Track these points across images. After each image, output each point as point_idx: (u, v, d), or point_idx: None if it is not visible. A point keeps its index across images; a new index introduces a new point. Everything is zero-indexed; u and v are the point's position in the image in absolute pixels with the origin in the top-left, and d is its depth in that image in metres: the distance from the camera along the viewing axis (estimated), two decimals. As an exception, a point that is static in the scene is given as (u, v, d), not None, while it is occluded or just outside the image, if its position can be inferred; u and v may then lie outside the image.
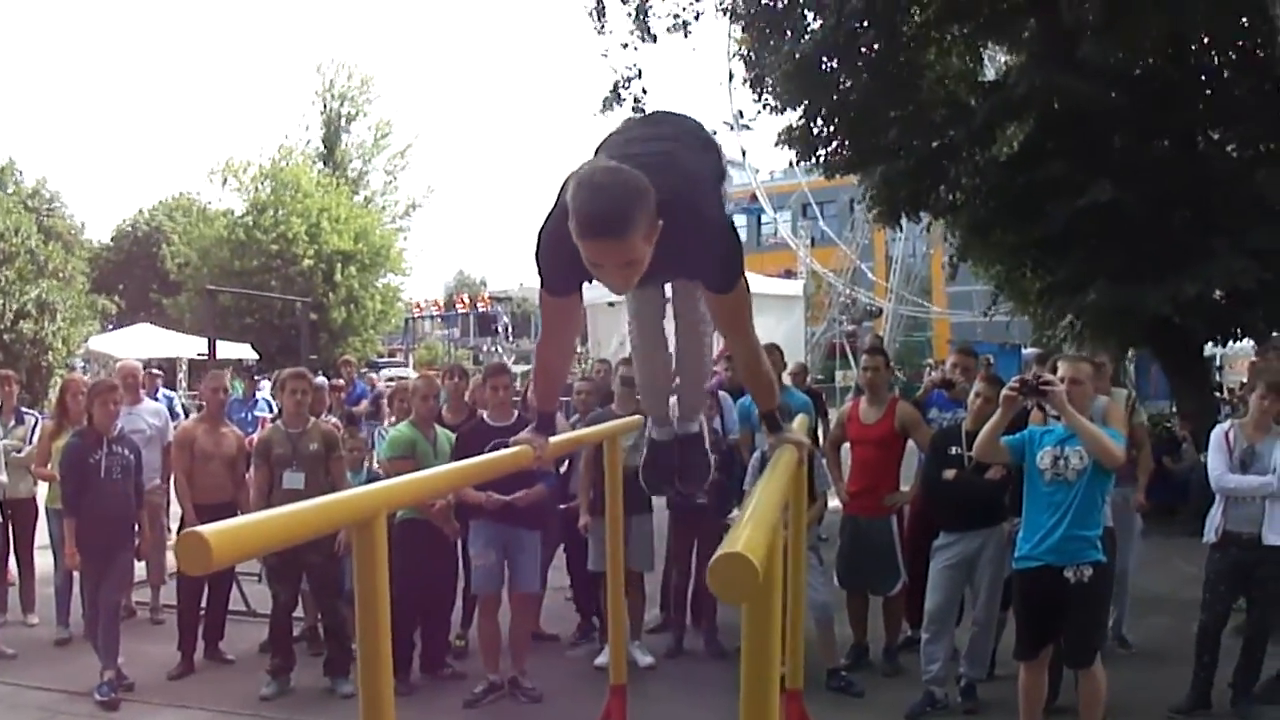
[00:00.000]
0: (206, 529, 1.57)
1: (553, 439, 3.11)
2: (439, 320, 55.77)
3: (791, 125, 12.62)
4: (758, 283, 27.98)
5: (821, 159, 12.88)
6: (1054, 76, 10.33)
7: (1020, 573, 5.19)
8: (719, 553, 1.34)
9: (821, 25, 11.65)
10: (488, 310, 49.91)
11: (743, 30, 13.49)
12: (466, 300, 52.33)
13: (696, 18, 13.79)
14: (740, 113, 22.28)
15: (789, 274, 34.48)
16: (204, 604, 7.12)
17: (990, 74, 13.06)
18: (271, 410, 9.85)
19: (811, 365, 28.85)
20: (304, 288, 32.13)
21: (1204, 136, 11.81)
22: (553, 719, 6.12)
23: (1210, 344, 13.33)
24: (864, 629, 6.81)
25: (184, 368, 26.39)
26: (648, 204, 2.29)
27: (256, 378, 14.53)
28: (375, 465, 7.39)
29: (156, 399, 10.83)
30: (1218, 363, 19.66)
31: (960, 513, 5.95)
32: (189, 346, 26.14)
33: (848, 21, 11.14)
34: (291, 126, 59.29)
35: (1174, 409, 12.80)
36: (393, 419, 8.17)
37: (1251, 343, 12.57)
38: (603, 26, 13.98)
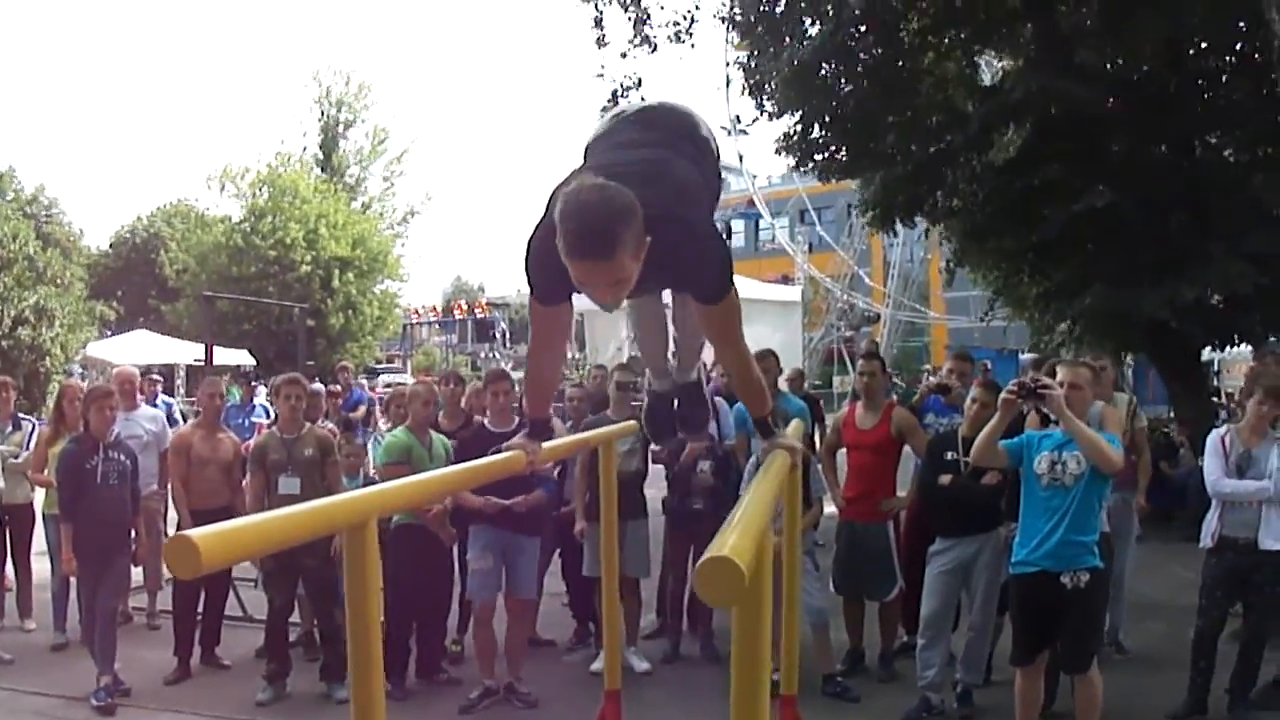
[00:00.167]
0: (195, 533, 1.57)
1: (545, 444, 3.14)
2: (437, 326, 55.75)
3: (789, 131, 12.64)
4: (755, 288, 28.10)
5: (819, 164, 12.89)
6: (1051, 81, 10.35)
7: (1017, 578, 5.18)
8: (705, 557, 1.34)
9: (820, 31, 11.68)
10: (485, 316, 49.85)
11: (741, 37, 13.52)
12: (464, 306, 52.28)
13: (692, 23, 13.80)
14: (737, 118, 22.26)
15: (786, 279, 34.54)
16: (200, 609, 7.11)
17: (987, 79, 13.07)
18: (268, 416, 9.86)
19: (809, 371, 28.89)
20: (302, 294, 32.07)
21: (1201, 141, 11.83)
22: (548, 725, 6.11)
23: (1208, 349, 13.33)
24: (860, 634, 6.81)
25: (182, 374, 26.38)
26: (635, 223, 2.30)
27: (253, 383, 14.52)
28: (372, 471, 7.39)
29: (156, 405, 10.86)
30: (1216, 367, 19.64)
31: (956, 518, 5.94)
32: (187, 352, 26.14)
33: (846, 27, 11.16)
34: (289, 133, 59.30)
35: (1172, 414, 12.80)
36: (389, 425, 8.16)
37: (1249, 347, 12.58)
38: (603, 38, 14.00)
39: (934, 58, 12.58)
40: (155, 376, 14.96)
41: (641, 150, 2.75)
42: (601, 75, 14.35)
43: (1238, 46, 11.45)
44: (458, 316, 52.37)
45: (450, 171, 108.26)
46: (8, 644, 7.43)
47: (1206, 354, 14.46)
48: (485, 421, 6.73)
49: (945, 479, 5.98)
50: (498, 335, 48.01)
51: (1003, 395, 5.17)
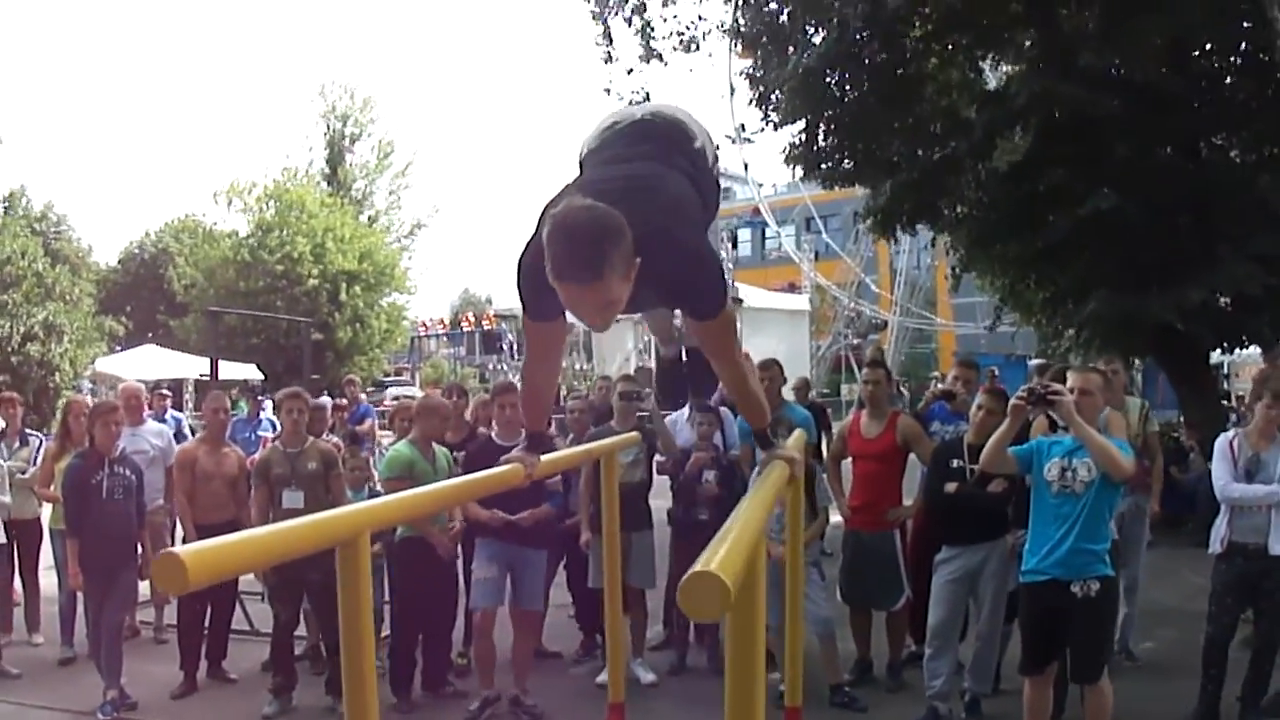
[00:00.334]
0: (182, 549, 1.56)
1: (545, 457, 3.14)
2: (445, 339, 55.78)
3: (795, 141, 12.63)
4: (762, 297, 28.12)
5: (825, 172, 12.88)
6: (1053, 85, 10.33)
7: (1026, 586, 5.11)
8: (690, 571, 1.33)
9: (825, 38, 11.67)
10: (493, 328, 49.81)
11: (744, 47, 13.52)
12: (472, 319, 52.28)
13: (697, 40, 13.81)
14: (742, 126, 22.26)
15: (793, 288, 34.52)
16: (207, 623, 7.11)
17: (992, 83, 13.06)
18: (275, 430, 9.86)
19: (817, 379, 28.86)
20: (309, 308, 32.18)
21: (1206, 143, 11.78)
22: (555, 736, 6.10)
23: (1218, 352, 13.27)
24: (868, 644, 6.77)
25: (191, 388, 26.43)
26: (623, 244, 2.27)
27: (260, 398, 14.53)
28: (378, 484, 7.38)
29: (165, 420, 10.89)
30: (1226, 370, 19.56)
31: (962, 526, 5.91)
32: (195, 367, 26.17)
33: (850, 34, 11.16)
34: (295, 147, 59.43)
35: (1182, 418, 12.74)
36: (394, 438, 8.15)
37: (1259, 350, 12.52)
38: (610, 56, 14.00)
39: (937, 64, 12.57)
40: (164, 391, 15.00)
41: (632, 165, 2.73)
42: (609, 90, 14.36)
43: (1242, 47, 11.42)
44: (465, 329, 52.37)
45: (457, 184, 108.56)
46: (15, 658, 7.44)
47: (1216, 357, 14.40)
48: (492, 434, 6.71)
49: (951, 487, 5.95)
50: (505, 347, 47.94)
51: (1012, 401, 5.14)
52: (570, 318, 2.66)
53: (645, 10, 13.61)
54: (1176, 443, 11.41)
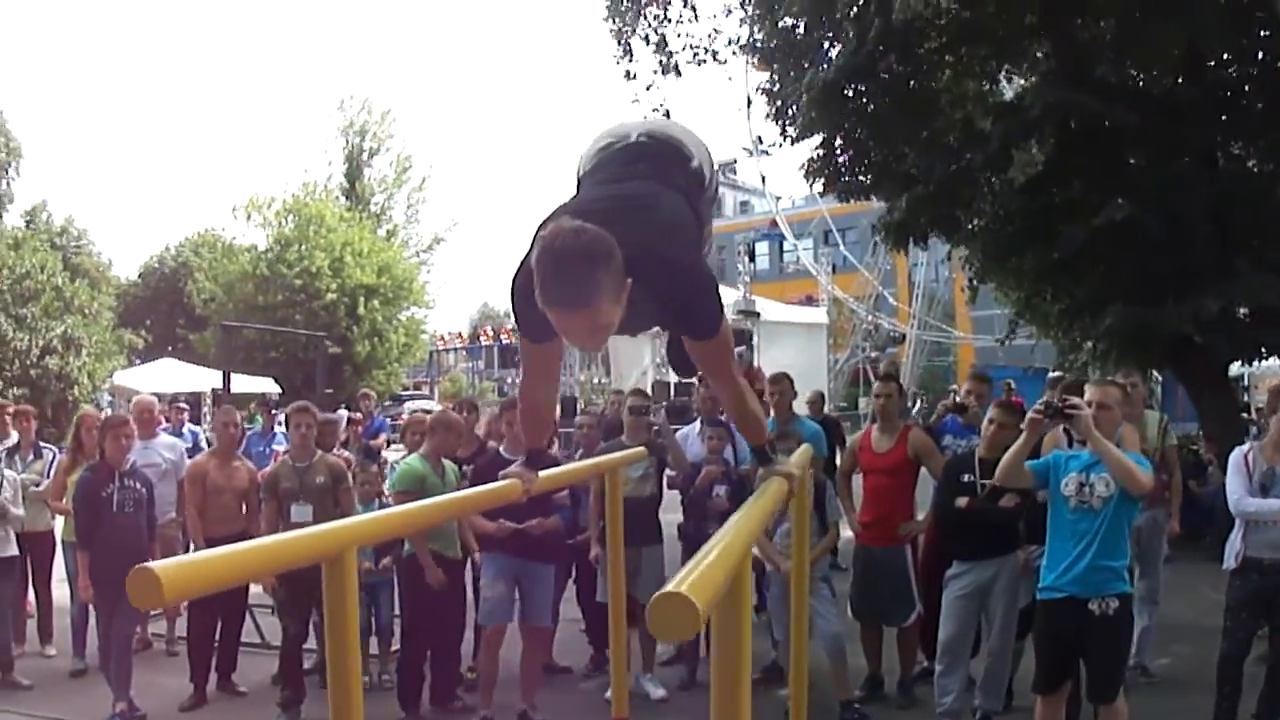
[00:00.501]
0: (157, 564, 1.55)
1: (546, 472, 3.14)
2: (463, 353, 55.89)
3: (813, 156, 12.61)
4: (780, 311, 28.04)
5: (843, 185, 12.84)
6: (1069, 95, 10.28)
7: (1043, 603, 5.02)
8: (660, 592, 1.30)
9: (841, 51, 11.65)
10: (512, 342, 49.89)
11: (761, 61, 13.50)
12: (490, 332, 52.37)
13: (715, 53, 13.81)
14: (759, 138, 22.27)
15: (810, 301, 34.44)
16: (218, 636, 7.13)
17: (1008, 94, 13.00)
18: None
19: (835, 393, 28.79)
20: (328, 322, 32.28)
21: (1224, 153, 11.71)
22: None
23: (1237, 364, 13.16)
24: (878, 660, 6.72)
25: (208, 402, 26.52)
26: (613, 267, 2.25)
27: (275, 412, 14.56)
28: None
29: (182, 433, 10.95)
30: (1246, 383, 19.39)
31: (973, 541, 5.85)
32: (213, 381, 26.20)
33: (867, 46, 11.13)
34: (314, 162, 59.82)
35: (1201, 431, 12.63)
36: (404, 451, 8.15)
37: (1279, 361, 12.42)
38: (631, 71, 14.00)
39: (952, 76, 12.54)
40: (181, 405, 15.06)
41: (626, 185, 2.71)
42: (636, 101, 14.33)
43: (1258, 56, 11.34)
44: (484, 342, 52.50)
45: (476, 198, 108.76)
46: (28, 669, 7.48)
47: (1236, 369, 14.28)
48: (500, 449, 6.70)
49: (962, 501, 5.89)
50: (524, 361, 47.99)
51: (1029, 415, 5.06)
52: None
53: (667, 23, 13.61)
54: (1195, 456, 11.31)
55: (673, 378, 21.39)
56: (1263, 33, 10.73)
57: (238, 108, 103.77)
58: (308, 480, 6.52)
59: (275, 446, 10.64)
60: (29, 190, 78.02)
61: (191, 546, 7.48)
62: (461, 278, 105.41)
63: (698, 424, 8.01)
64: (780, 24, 12.59)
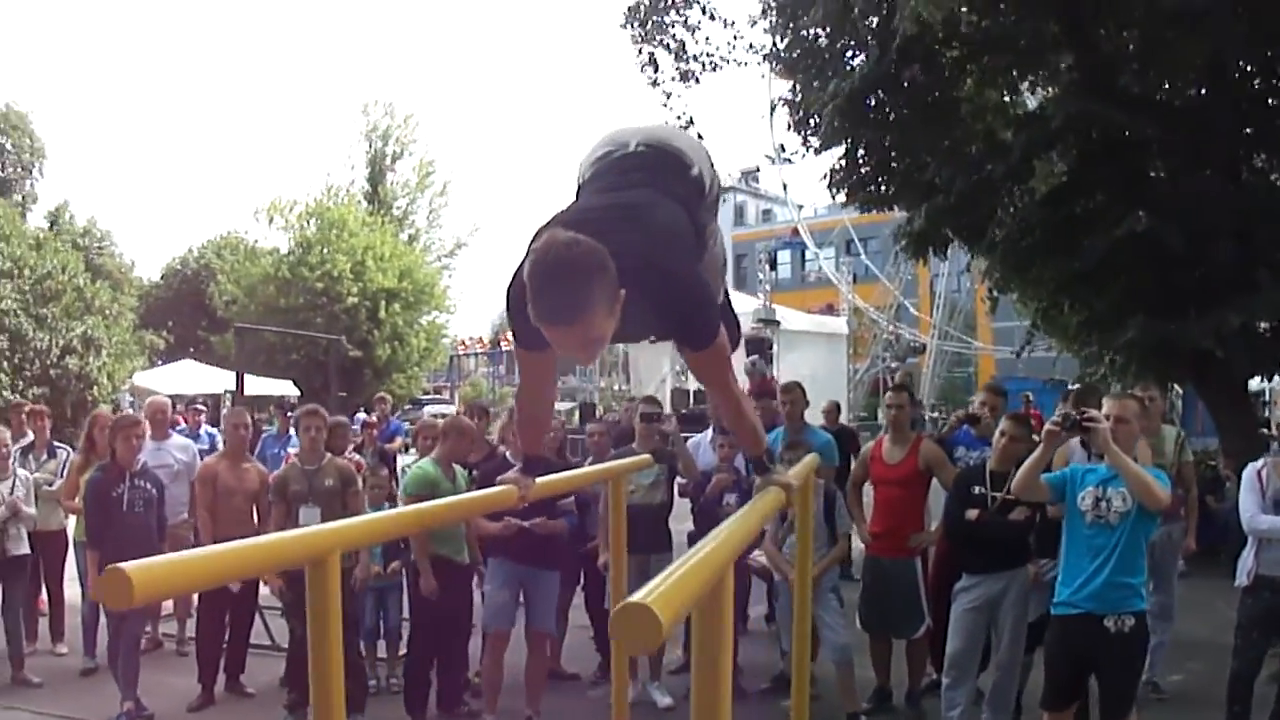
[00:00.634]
0: (129, 565, 1.54)
1: (541, 479, 3.14)
2: (484, 358, 55.94)
3: (836, 166, 12.56)
4: (800, 320, 27.98)
5: (866, 196, 12.78)
6: (1091, 105, 10.21)
7: (1058, 619, 4.94)
8: (623, 603, 1.28)
9: (864, 60, 11.61)
10: (533, 348, 49.89)
11: (784, 71, 13.43)
12: (511, 338, 52.35)
13: (728, 60, 13.76)
14: (782, 146, 22.17)
15: (831, 309, 34.36)
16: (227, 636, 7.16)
17: (1031, 104, 12.93)
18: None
19: (854, 402, 28.68)
20: (349, 325, 32.38)
21: (1247, 165, 11.60)
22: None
23: (1258, 379, 13.03)
24: (887, 672, 6.67)
25: (227, 403, 26.67)
26: (605, 280, 2.23)
27: (290, 414, 14.63)
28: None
29: (200, 435, 11.00)
30: (1267, 398, 19.22)
31: (983, 554, 5.79)
32: (232, 383, 26.40)
33: (890, 55, 11.08)
34: (337, 166, 60.00)
35: (1221, 446, 12.52)
36: (415, 455, 8.17)
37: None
38: (656, 81, 13.95)
39: (973, 86, 12.47)
40: (199, 406, 15.16)
41: (623, 194, 2.69)
42: (667, 106, 14.27)
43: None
44: (505, 348, 52.38)
45: (499, 203, 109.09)
46: (39, 667, 7.52)
47: (1256, 384, 14.16)
48: (508, 453, 6.70)
49: (972, 514, 5.84)
50: (544, 367, 47.96)
51: (1047, 427, 4.98)
52: None
53: (686, 30, 13.56)
54: (1214, 471, 11.21)
55: (692, 385, 21.38)
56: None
57: (261, 111, 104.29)
58: (316, 483, 6.53)
59: (290, 449, 10.68)
60: (53, 191, 78.91)
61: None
62: (483, 283, 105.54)
63: (710, 432, 8.00)
64: (802, 33, 12.55)
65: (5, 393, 21.65)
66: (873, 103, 11.81)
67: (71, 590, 8.05)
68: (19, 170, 42.35)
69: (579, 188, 2.94)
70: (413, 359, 36.17)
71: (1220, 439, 12.12)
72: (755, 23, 13.38)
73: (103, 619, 7.28)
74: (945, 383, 34.73)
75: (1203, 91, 10.90)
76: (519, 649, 6.49)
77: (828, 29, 12.06)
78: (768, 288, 27.67)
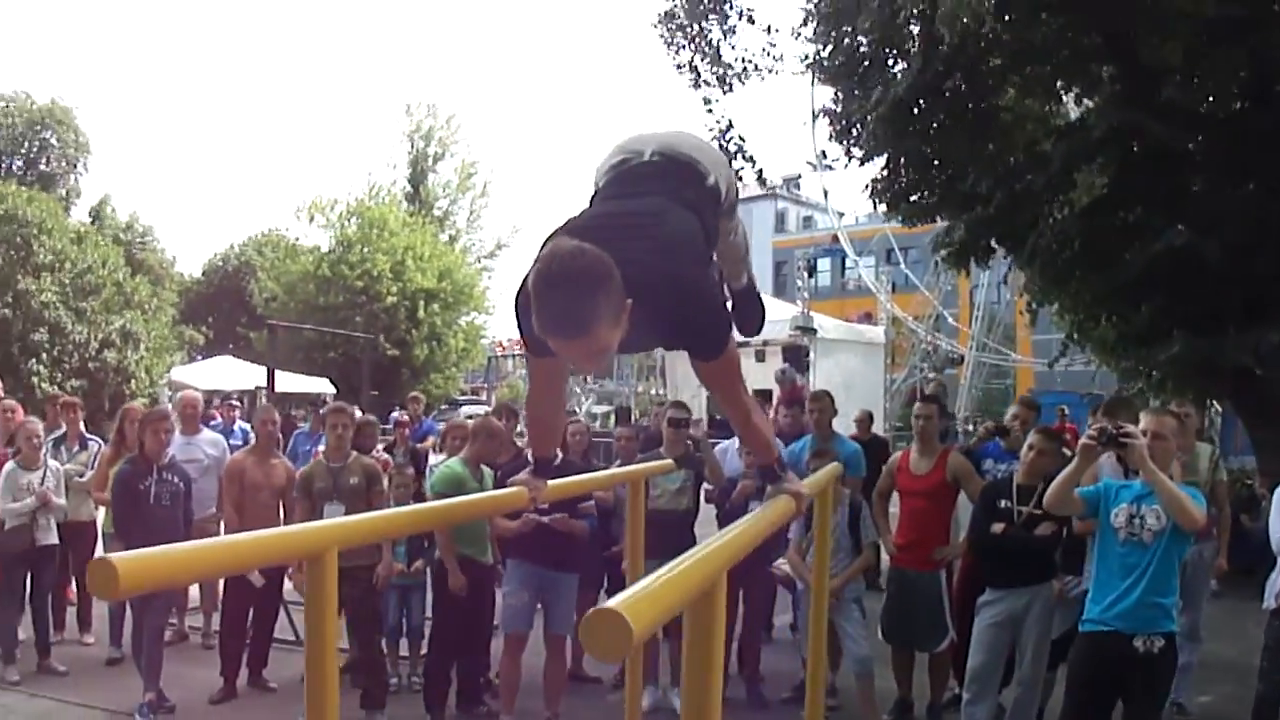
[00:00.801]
0: (116, 556, 1.54)
1: (552, 482, 3.15)
2: (522, 359, 56.09)
3: (877, 177, 12.49)
4: (838, 328, 27.85)
5: (908, 207, 12.69)
6: (1133, 116, 10.09)
7: (1086, 636, 4.84)
8: (594, 609, 1.26)
9: (906, 69, 11.53)
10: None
11: (825, 77, 13.35)
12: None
13: (761, 68, 13.69)
14: (823, 153, 22.04)
15: (869, 318, 34.15)
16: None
17: (1073, 113, 12.80)
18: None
19: (891, 412, 28.47)
20: (388, 324, 32.56)
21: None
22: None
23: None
24: (909, 685, 6.62)
25: (263, 399, 26.86)
26: (609, 291, 2.20)
27: (323, 412, 14.73)
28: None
29: (234, 430, 11.08)
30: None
31: (1007, 568, 5.73)
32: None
33: (933, 64, 11.00)
34: (378, 165, 60.38)
35: (1258, 465, 12.33)
36: (443, 455, 8.18)
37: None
38: (697, 80, 13.91)
39: (1015, 96, 12.37)
40: (234, 402, 15.25)
41: (634, 201, 2.68)
42: (710, 110, 14.22)
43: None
44: (542, 350, 52.58)
45: (539, 204, 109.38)
46: (65, 656, 7.62)
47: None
48: (530, 454, 6.69)
49: (998, 528, 5.77)
50: (581, 369, 48.03)
51: (1083, 441, 4.88)
52: None
53: (722, 35, 13.51)
54: (1250, 490, 11.04)
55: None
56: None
57: (303, 110, 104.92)
58: (341, 481, 6.55)
59: (320, 447, 10.75)
60: (97, 186, 79.89)
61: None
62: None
63: (737, 438, 7.96)
64: (845, 42, 12.46)
65: (44, 385, 21.96)
66: (915, 112, 11.74)
67: (100, 581, 8.12)
68: (63, 165, 42.99)
69: (593, 195, 2.93)
70: (450, 359, 36.30)
71: (1257, 457, 11.95)
72: (798, 35, 13.29)
73: (128, 610, 7.34)
74: (983, 394, 34.43)
75: (1245, 104, 10.74)
76: (540, 651, 6.49)
77: (872, 37, 12.00)
78: (806, 295, 27.52)
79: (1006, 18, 10.20)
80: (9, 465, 7.43)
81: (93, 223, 37.16)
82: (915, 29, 11.12)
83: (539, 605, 6.42)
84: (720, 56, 13.28)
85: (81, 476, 8.02)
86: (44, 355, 23.73)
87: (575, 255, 2.20)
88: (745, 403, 2.92)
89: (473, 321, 38.51)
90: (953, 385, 32.41)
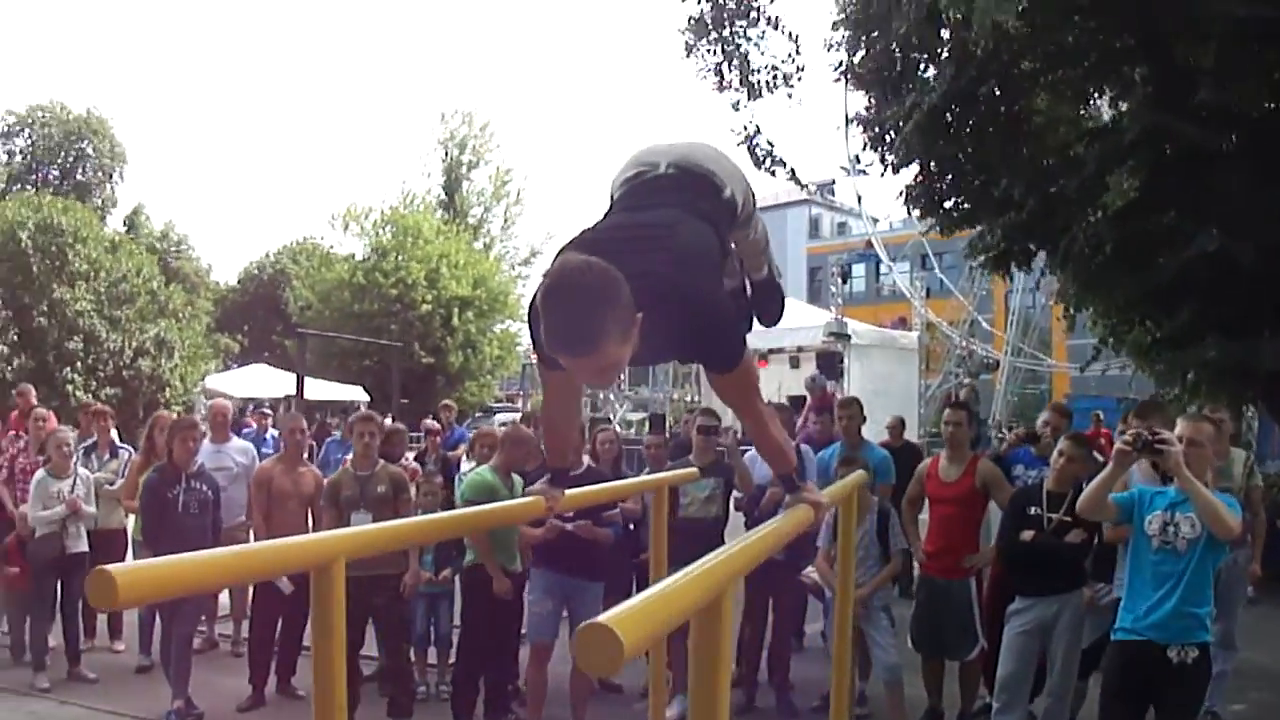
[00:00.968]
0: (115, 568, 1.53)
1: (571, 491, 3.15)
2: (556, 367, 56.22)
3: (911, 184, 12.42)
4: (873, 334, 27.72)
5: (944, 213, 12.61)
6: (1167, 118, 9.98)
7: (1118, 645, 4.76)
8: (587, 622, 1.24)
9: (939, 74, 11.46)
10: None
11: (859, 87, 13.28)
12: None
13: (788, 76, 13.63)
14: (856, 158, 21.93)
15: (903, 323, 33.98)
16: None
17: (1106, 117, 12.68)
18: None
19: (925, 418, 28.29)
20: (422, 332, 32.70)
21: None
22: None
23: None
24: (939, 693, 6.54)
25: (291, 408, 27.03)
26: (618, 307, 2.17)
27: (350, 420, 14.80)
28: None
29: (265, 438, 11.14)
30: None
31: (1037, 576, 5.66)
32: (306, 388, 26.75)
33: (967, 70, 10.93)
34: (413, 173, 60.70)
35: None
36: (472, 463, 8.18)
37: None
38: (723, 83, 13.87)
39: (1047, 99, 12.26)
40: (265, 410, 15.35)
41: (647, 214, 2.66)
42: (734, 109, 14.16)
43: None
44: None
45: (573, 212, 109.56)
46: (95, 663, 7.68)
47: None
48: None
49: (1027, 535, 5.70)
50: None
51: (1118, 446, 4.80)
52: None
53: (748, 42, 13.46)
54: (1286, 496, 10.87)
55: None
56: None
57: (338, 118, 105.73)
58: (369, 489, 6.57)
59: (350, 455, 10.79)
60: (132, 195, 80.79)
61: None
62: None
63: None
64: (876, 48, 12.40)
65: (79, 393, 22.18)
66: (949, 118, 11.66)
67: (132, 589, 8.18)
68: (99, 175, 43.48)
69: (608, 208, 2.91)
70: (485, 367, 36.42)
71: (1292, 462, 11.80)
72: (829, 46, 13.23)
73: (158, 618, 7.39)
74: (1019, 399, 34.17)
75: (1276, 104, 10.59)
76: (567, 659, 6.46)
77: (907, 43, 11.93)
78: (840, 301, 27.41)
79: (1037, 20, 10.11)
80: (40, 474, 7.51)
81: (128, 232, 37.54)
82: (947, 34, 11.05)
83: (564, 613, 6.40)
84: (749, 63, 13.22)
85: (112, 485, 8.10)
86: (79, 364, 23.98)
87: (582, 271, 2.18)
88: (761, 413, 2.89)
89: (507, 329, 38.59)
90: (988, 391, 32.17)
